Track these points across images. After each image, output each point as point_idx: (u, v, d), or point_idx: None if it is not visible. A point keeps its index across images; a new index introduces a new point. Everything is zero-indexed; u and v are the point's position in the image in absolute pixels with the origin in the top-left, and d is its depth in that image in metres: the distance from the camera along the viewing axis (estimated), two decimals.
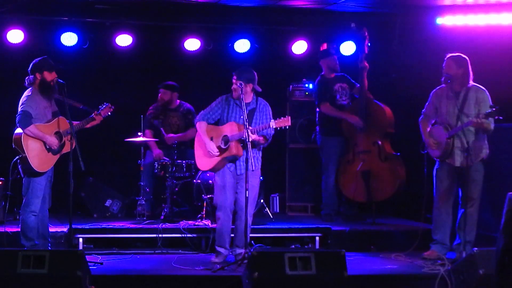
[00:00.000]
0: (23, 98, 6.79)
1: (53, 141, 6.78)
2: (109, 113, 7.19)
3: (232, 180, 6.93)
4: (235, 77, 6.87)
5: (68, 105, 6.81)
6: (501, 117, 6.70)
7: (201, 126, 7.01)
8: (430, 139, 7.10)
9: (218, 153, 6.87)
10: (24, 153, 6.69)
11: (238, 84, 6.79)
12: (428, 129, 7.16)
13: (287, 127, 6.77)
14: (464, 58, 7.03)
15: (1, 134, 7.27)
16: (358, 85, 8.63)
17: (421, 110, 7.31)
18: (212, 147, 6.89)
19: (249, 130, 6.67)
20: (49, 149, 6.81)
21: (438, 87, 7.19)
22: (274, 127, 6.74)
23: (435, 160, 7.22)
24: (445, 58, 7.08)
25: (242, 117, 6.79)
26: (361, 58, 8.50)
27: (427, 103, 7.24)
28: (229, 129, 6.88)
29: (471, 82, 7.01)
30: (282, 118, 6.72)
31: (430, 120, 7.19)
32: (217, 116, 7.00)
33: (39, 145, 6.76)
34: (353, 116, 8.51)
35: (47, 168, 6.82)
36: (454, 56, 7.05)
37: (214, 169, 6.97)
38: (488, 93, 6.97)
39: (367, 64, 8.47)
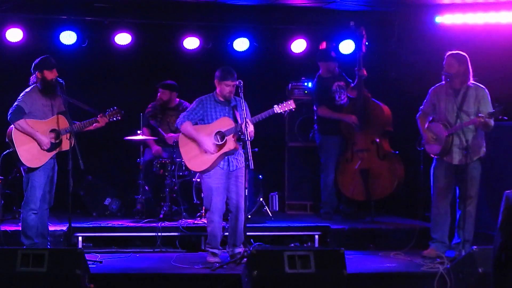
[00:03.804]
0: (20, 94, 6.81)
1: (43, 140, 6.74)
2: (118, 118, 7.12)
3: (224, 180, 6.85)
4: (235, 81, 6.78)
5: (70, 104, 6.83)
6: (505, 117, 6.70)
7: (187, 125, 6.86)
8: (429, 133, 7.09)
9: (216, 151, 6.82)
10: (14, 147, 6.69)
11: (237, 83, 6.79)
12: (426, 125, 7.17)
13: (292, 110, 6.74)
14: (464, 55, 7.03)
15: (1, 133, 7.26)
16: (353, 84, 8.62)
17: (419, 107, 7.31)
18: (209, 145, 6.75)
19: (247, 124, 6.61)
20: None
21: (437, 85, 7.19)
22: (278, 112, 6.71)
23: (431, 158, 7.22)
24: (445, 56, 7.06)
25: (227, 113, 6.80)
26: (358, 65, 8.49)
27: (425, 100, 7.25)
28: (222, 124, 6.81)
29: (471, 80, 7.01)
30: (285, 102, 6.70)
31: (427, 117, 7.20)
32: (198, 117, 6.89)
33: (30, 139, 6.75)
34: (349, 116, 8.52)
35: (39, 164, 6.79)
36: (454, 53, 7.04)
37: (208, 169, 6.84)
38: (487, 92, 6.97)
39: (365, 73, 8.45)
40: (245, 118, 6.62)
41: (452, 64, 7.00)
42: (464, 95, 6.97)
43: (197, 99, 6.97)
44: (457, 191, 7.11)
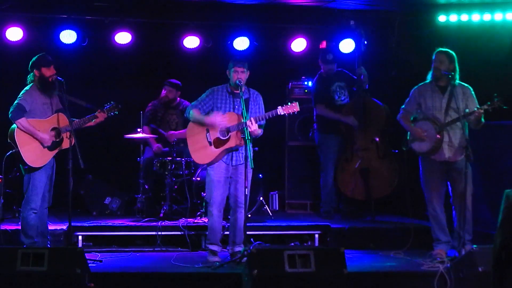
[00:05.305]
0: (20, 92, 6.82)
1: (45, 137, 6.77)
2: (116, 112, 7.16)
3: (227, 174, 6.86)
4: (243, 68, 6.81)
5: (69, 102, 6.84)
6: (505, 107, 6.68)
7: (195, 112, 6.89)
8: (419, 130, 7.07)
9: (226, 137, 6.76)
10: (17, 147, 6.70)
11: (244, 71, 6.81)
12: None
13: (295, 113, 6.75)
14: (454, 54, 7.05)
15: (1, 131, 7.27)
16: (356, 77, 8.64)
17: (400, 107, 7.29)
18: (220, 118, 6.73)
19: (250, 122, 6.62)
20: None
21: (420, 84, 7.20)
22: (281, 113, 6.71)
23: (417, 158, 7.19)
24: (435, 52, 7.07)
25: (237, 107, 6.80)
26: (358, 64, 8.51)
27: (407, 100, 7.23)
28: (229, 119, 6.80)
29: (457, 79, 7.01)
30: (290, 104, 6.70)
31: (409, 117, 7.20)
32: (208, 108, 6.90)
33: (33, 139, 6.76)
34: (347, 117, 8.52)
35: (42, 163, 6.80)
36: (445, 51, 7.05)
37: (212, 162, 6.87)
38: (472, 89, 6.99)
39: (362, 77, 8.45)
40: (245, 117, 6.62)
41: (443, 61, 7.01)
42: (451, 92, 6.97)
43: (209, 89, 6.99)
44: (450, 190, 7.08)
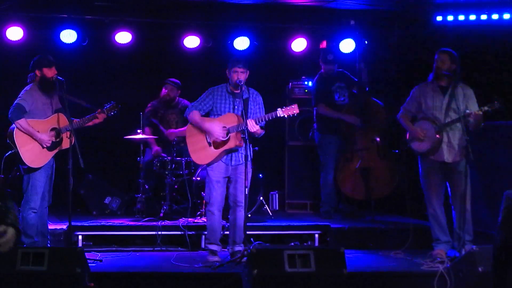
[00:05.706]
0: (20, 92, 6.82)
1: (43, 138, 6.76)
2: (115, 112, 7.17)
3: (226, 174, 6.87)
4: (243, 68, 6.81)
5: (69, 102, 6.83)
6: (502, 106, 6.68)
7: (195, 115, 6.89)
8: (418, 129, 7.07)
9: (226, 138, 6.77)
10: (16, 147, 6.70)
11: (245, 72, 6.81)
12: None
13: (295, 115, 6.75)
14: (456, 54, 7.05)
15: (2, 132, 7.27)
16: (357, 79, 8.64)
17: (401, 106, 7.30)
18: (219, 131, 6.73)
19: (251, 122, 6.63)
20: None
21: (422, 83, 7.20)
22: (281, 115, 6.71)
23: (416, 158, 7.20)
24: (437, 52, 7.07)
25: (236, 107, 6.80)
26: (359, 63, 8.52)
27: (408, 98, 7.24)
28: (228, 120, 6.82)
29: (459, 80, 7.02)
30: (289, 106, 6.71)
31: (409, 116, 7.21)
32: (208, 108, 6.92)
33: (32, 140, 6.75)
34: (350, 115, 8.52)
35: (41, 163, 6.80)
36: (447, 51, 7.04)
37: (211, 163, 6.87)
38: (472, 91, 6.99)
39: (363, 77, 8.47)
40: (245, 118, 6.62)
41: (445, 61, 7.01)
42: (452, 92, 6.97)
43: (208, 89, 6.99)
44: (449, 190, 7.08)
